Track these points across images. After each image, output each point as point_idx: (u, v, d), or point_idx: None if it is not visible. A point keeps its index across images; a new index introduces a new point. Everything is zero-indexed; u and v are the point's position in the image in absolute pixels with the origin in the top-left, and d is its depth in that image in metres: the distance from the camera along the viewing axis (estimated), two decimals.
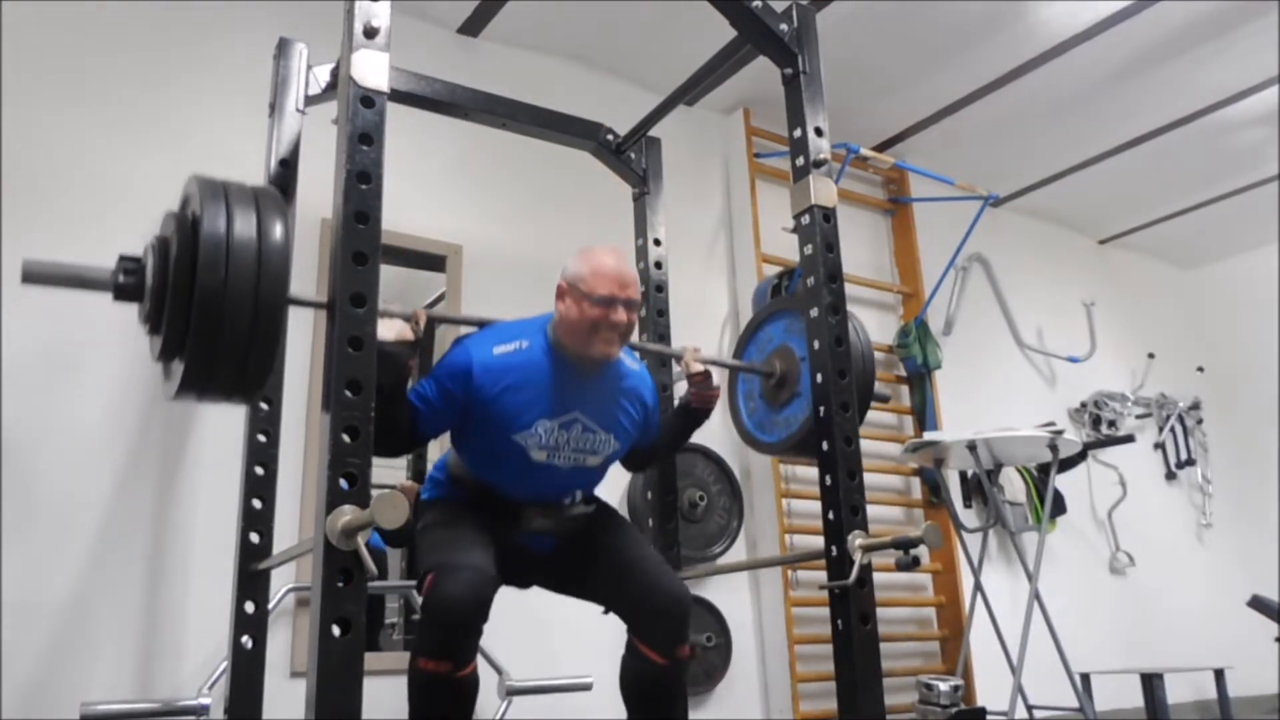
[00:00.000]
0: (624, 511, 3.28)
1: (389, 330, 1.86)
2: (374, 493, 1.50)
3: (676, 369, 2.62)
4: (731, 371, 2.75)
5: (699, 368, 2.26)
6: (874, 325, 4.41)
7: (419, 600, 1.81)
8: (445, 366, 1.96)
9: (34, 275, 1.62)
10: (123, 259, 1.68)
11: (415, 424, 1.92)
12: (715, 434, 3.71)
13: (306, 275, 2.94)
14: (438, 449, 2.85)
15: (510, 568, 1.97)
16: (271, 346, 1.62)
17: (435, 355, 2.84)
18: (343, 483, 1.49)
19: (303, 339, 2.83)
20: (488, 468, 2.00)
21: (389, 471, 3.10)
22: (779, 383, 2.51)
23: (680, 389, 2.44)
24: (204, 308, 1.54)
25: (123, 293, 1.67)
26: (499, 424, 1.93)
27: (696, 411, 2.26)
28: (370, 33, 1.70)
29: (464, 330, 2.19)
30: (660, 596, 1.91)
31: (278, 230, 1.62)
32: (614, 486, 3.15)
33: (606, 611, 2.04)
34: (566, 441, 1.98)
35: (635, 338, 2.33)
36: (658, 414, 2.22)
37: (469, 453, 2.02)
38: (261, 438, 2.35)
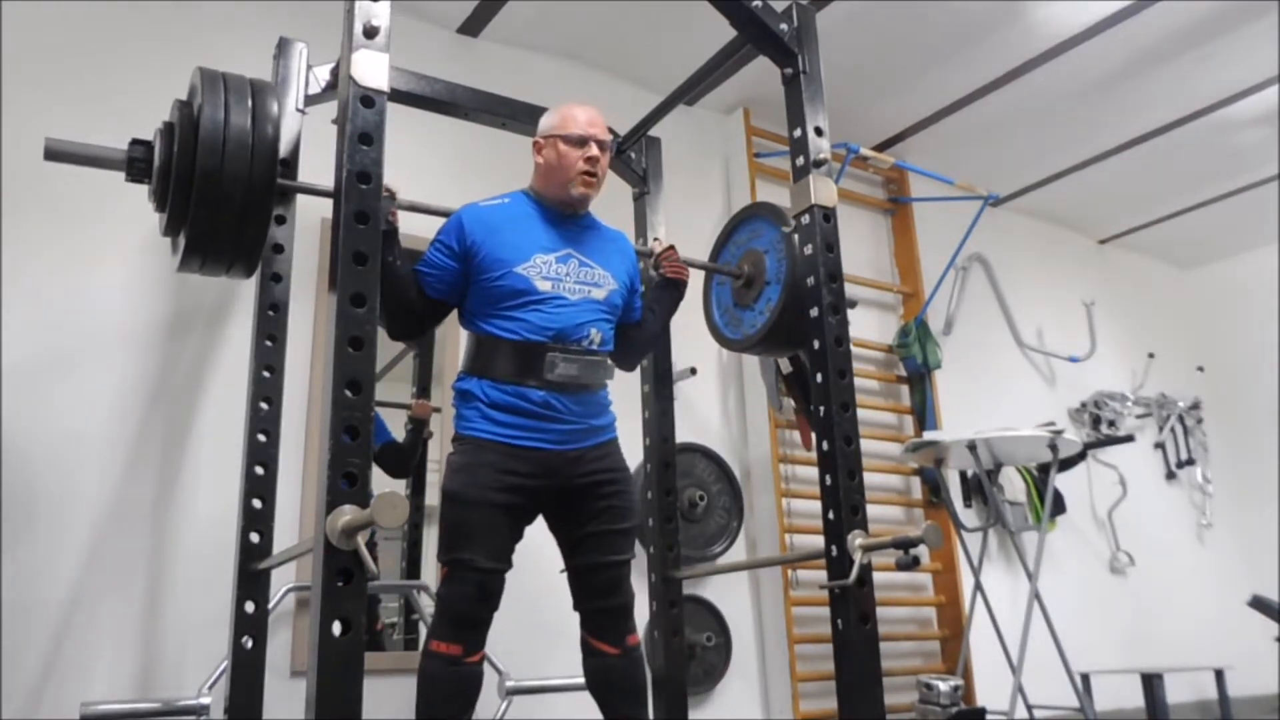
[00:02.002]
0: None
1: None
2: (378, 412, 1.59)
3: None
4: (706, 276, 2.90)
5: (664, 246, 2.47)
6: (874, 325, 4.43)
7: (432, 592, 1.94)
8: (441, 232, 2.12)
9: (55, 153, 1.82)
10: (134, 142, 1.91)
11: (423, 290, 2.08)
12: (715, 434, 3.71)
13: (307, 275, 2.93)
14: (439, 389, 2.85)
15: (523, 511, 2.04)
16: (264, 219, 1.88)
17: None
18: (343, 483, 1.49)
19: (303, 339, 2.83)
20: (500, 317, 2.06)
21: (398, 394, 3.20)
22: (747, 283, 2.67)
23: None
24: (203, 185, 1.78)
25: (133, 170, 1.90)
26: (500, 263, 2.05)
27: (672, 282, 2.42)
28: (370, 33, 1.70)
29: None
30: (613, 599, 2.08)
31: (269, 115, 1.86)
32: None
33: (563, 572, 2.14)
34: (567, 274, 2.10)
35: None
36: (639, 281, 2.36)
37: (479, 312, 2.09)
38: (261, 438, 2.34)
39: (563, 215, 2.17)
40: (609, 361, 2.17)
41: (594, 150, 2.12)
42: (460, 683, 1.90)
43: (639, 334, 2.36)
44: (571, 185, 2.12)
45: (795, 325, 2.32)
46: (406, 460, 3.09)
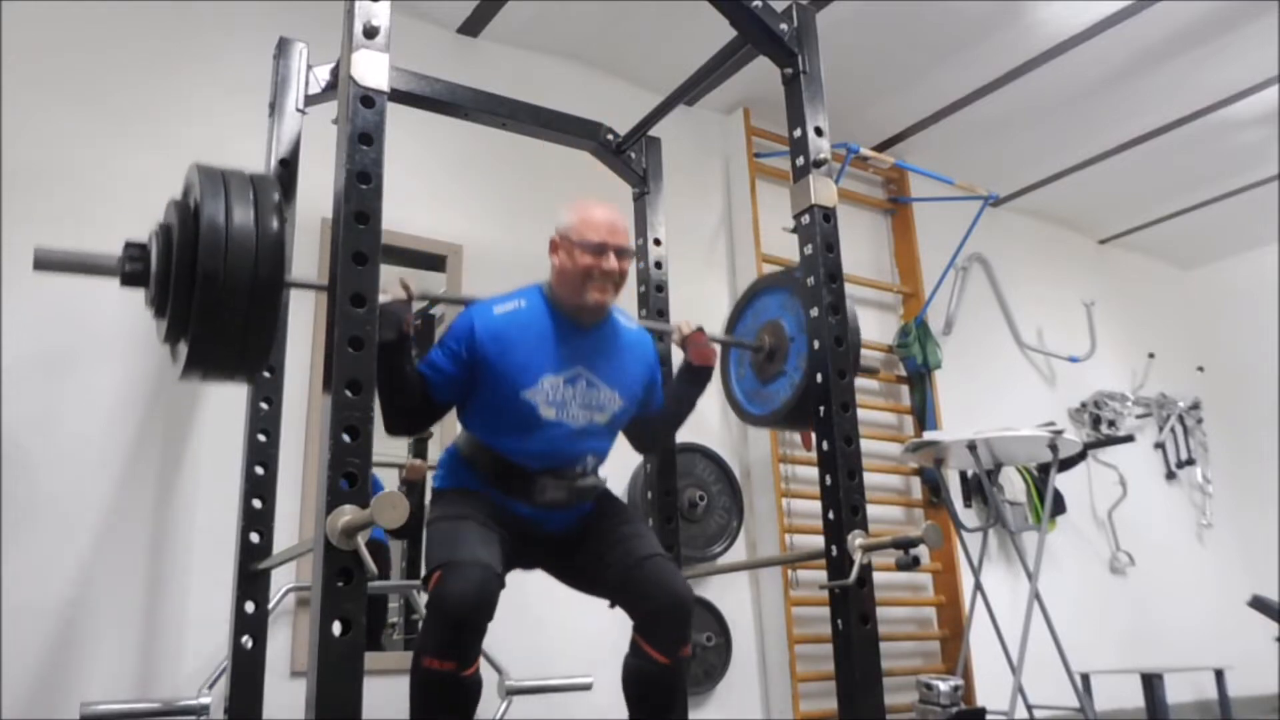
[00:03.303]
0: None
1: (381, 295, 1.89)
2: (376, 475, 1.52)
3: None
4: (723, 348, 2.77)
5: (691, 328, 2.31)
6: (874, 325, 4.42)
7: (424, 597, 1.81)
8: (450, 333, 2.02)
9: (45, 263, 1.71)
10: (128, 246, 1.76)
11: (427, 392, 1.98)
12: (715, 434, 3.71)
13: (307, 276, 2.93)
14: (439, 441, 2.86)
15: (517, 550, 1.98)
16: (270, 326, 1.72)
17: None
18: (343, 483, 1.49)
19: (303, 339, 2.83)
20: (498, 432, 2.01)
21: (392, 453, 3.13)
22: (768, 356, 2.56)
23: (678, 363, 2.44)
24: (205, 291, 1.64)
25: (129, 278, 1.75)
26: (506, 382, 1.97)
27: (698, 369, 2.28)
28: (370, 33, 1.70)
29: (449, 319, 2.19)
30: (664, 597, 1.91)
31: (274, 216, 1.71)
32: (615, 485, 3.14)
33: (613, 606, 2.03)
34: (573, 397, 2.01)
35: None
36: (660, 374, 2.26)
37: (480, 420, 2.04)
38: (261, 438, 2.35)
39: (578, 324, 2.05)
40: (602, 479, 2.12)
41: (612, 261, 1.99)
42: (457, 698, 1.75)
43: (659, 423, 2.31)
44: (587, 295, 2.00)
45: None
46: (406, 533, 3.04)
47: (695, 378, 2.29)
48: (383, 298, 1.87)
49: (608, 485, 2.18)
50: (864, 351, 3.80)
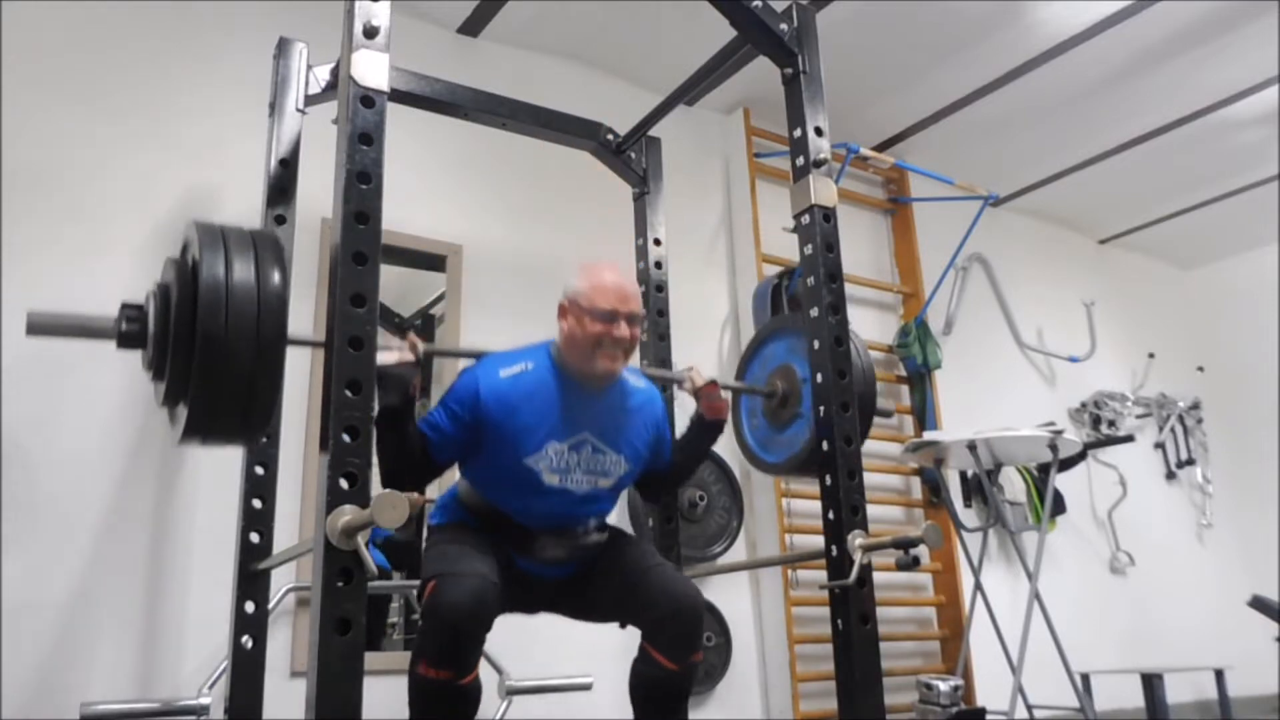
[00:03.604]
0: (624, 511, 3.28)
1: (389, 355, 1.85)
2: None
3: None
4: (734, 394, 2.70)
5: (703, 380, 2.24)
6: (874, 325, 4.43)
7: (421, 605, 1.79)
8: (453, 393, 1.95)
9: (38, 327, 1.63)
10: (125, 307, 1.70)
11: (428, 452, 1.91)
12: None
13: (307, 276, 2.93)
14: (436, 488, 2.85)
15: (517, 594, 1.96)
16: (273, 390, 1.65)
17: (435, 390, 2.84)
18: (343, 483, 1.49)
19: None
20: (500, 494, 1.98)
21: None
22: (781, 402, 2.50)
23: (682, 400, 2.42)
24: (206, 354, 1.57)
25: (126, 340, 1.69)
26: (509, 447, 1.91)
27: (710, 424, 2.22)
28: (370, 33, 1.70)
29: (462, 364, 2.17)
30: (674, 602, 1.89)
31: (275, 274, 1.64)
32: None
33: (624, 626, 2.02)
34: (578, 463, 1.96)
35: (635, 359, 2.31)
36: (669, 432, 2.20)
37: (480, 479, 2.00)
38: (261, 438, 2.35)
39: (585, 388, 1.99)
40: (604, 535, 2.08)
41: (623, 329, 1.93)
42: (454, 706, 1.73)
43: (668, 477, 2.26)
44: (596, 363, 1.94)
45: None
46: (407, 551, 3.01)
47: (707, 431, 2.23)
48: (389, 356, 1.84)
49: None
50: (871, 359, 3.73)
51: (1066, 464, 4.10)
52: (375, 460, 1.72)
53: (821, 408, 2.12)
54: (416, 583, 2.92)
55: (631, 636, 1.96)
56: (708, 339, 3.89)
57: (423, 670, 1.69)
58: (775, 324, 2.69)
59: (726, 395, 2.32)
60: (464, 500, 2.04)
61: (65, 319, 1.68)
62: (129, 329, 1.68)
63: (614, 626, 2.07)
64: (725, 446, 3.65)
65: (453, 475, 2.08)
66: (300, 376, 2.80)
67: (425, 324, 3.33)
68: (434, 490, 2.83)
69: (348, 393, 1.52)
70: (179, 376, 1.62)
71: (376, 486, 1.68)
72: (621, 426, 2.04)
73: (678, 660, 1.87)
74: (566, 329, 1.97)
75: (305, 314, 2.86)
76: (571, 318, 1.95)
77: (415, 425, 1.90)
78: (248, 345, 1.59)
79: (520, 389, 1.94)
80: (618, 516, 2.73)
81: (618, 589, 1.99)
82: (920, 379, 4.33)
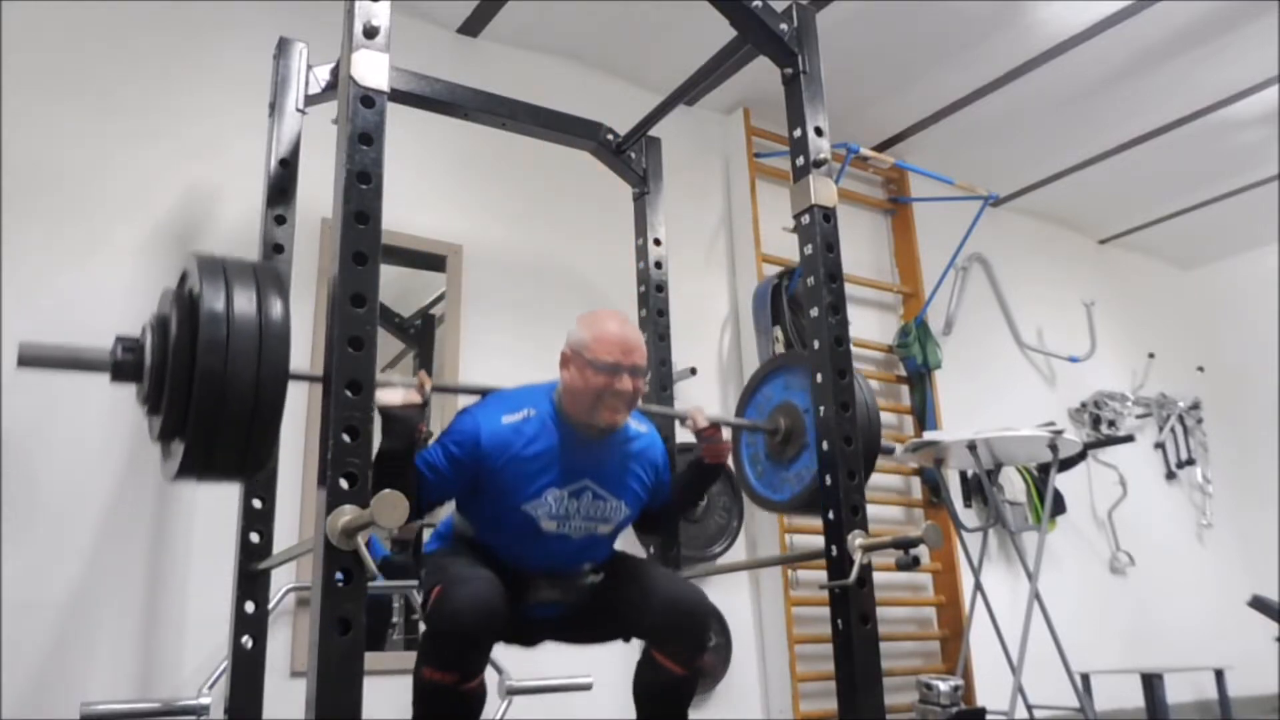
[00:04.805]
0: None
1: (394, 395, 1.83)
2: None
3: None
4: (735, 433, 2.66)
5: (705, 422, 2.22)
6: (874, 325, 4.42)
7: (425, 612, 1.78)
8: (453, 435, 1.93)
9: (30, 359, 1.60)
10: (120, 339, 1.66)
11: (422, 491, 1.89)
12: None
13: (307, 276, 2.93)
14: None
15: (517, 629, 1.96)
16: (273, 427, 1.61)
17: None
18: (343, 483, 1.49)
19: (302, 339, 2.83)
20: (496, 537, 1.97)
21: None
22: (784, 439, 2.48)
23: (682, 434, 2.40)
24: (205, 390, 1.52)
25: (121, 373, 1.65)
26: (508, 493, 1.90)
27: (709, 468, 2.21)
28: (370, 33, 1.70)
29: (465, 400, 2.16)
30: (679, 606, 1.89)
31: (277, 308, 1.60)
32: None
33: (628, 640, 2.01)
34: (577, 510, 1.95)
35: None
36: (669, 475, 2.19)
37: (477, 521, 1.99)
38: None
39: (587, 436, 1.97)
40: (600, 575, 2.06)
41: (626, 382, 1.91)
42: (458, 710, 1.72)
43: (664, 516, 2.26)
44: (598, 416, 1.92)
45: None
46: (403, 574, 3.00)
47: (706, 474, 2.24)
48: (395, 396, 1.82)
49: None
50: (857, 351, 3.76)
51: (1066, 464, 4.10)
52: None
53: (821, 408, 2.11)
54: (416, 583, 2.95)
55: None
56: (708, 339, 3.89)
57: (427, 674, 1.68)
58: (769, 365, 2.66)
59: (727, 434, 2.29)
60: (458, 532, 2.04)
61: (57, 351, 1.64)
62: (124, 360, 1.64)
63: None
64: None
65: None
66: None
67: (425, 324, 3.33)
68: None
69: (348, 393, 1.52)
70: (175, 412, 1.58)
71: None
72: (622, 472, 2.03)
73: (685, 664, 1.88)
74: (568, 379, 1.94)
75: (304, 315, 2.86)
76: (574, 368, 1.93)
77: (414, 467, 1.88)
78: (248, 383, 1.54)
79: (522, 436, 1.92)
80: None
81: (620, 599, 1.98)
82: (920, 379, 4.33)
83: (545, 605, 2.01)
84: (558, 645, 2.14)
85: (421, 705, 1.72)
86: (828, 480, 2.07)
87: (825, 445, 2.09)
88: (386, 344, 3.19)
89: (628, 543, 2.36)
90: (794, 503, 2.48)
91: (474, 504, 1.96)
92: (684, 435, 2.46)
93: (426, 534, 2.55)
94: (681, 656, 1.88)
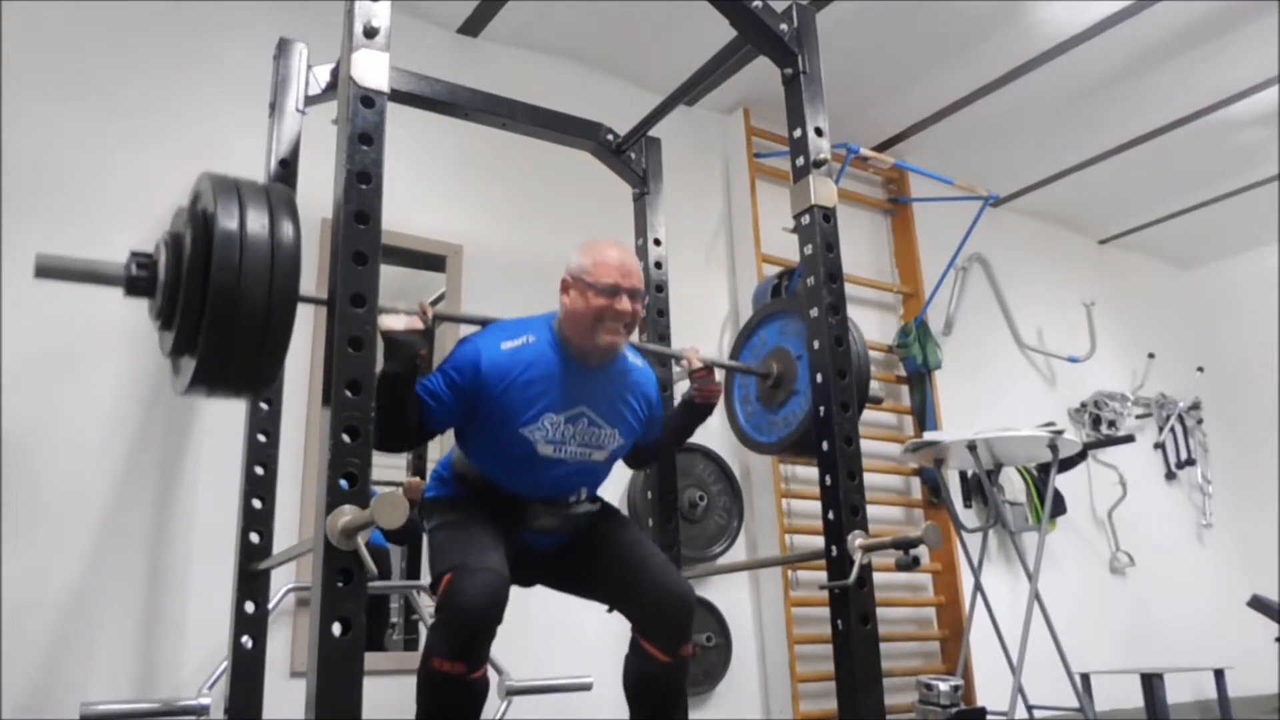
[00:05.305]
0: (624, 510, 3.28)
1: (397, 321, 1.88)
2: (375, 489, 1.51)
3: (677, 369, 2.63)
4: (728, 374, 2.74)
5: (700, 363, 2.28)
6: (874, 325, 4.43)
7: (432, 601, 1.82)
8: (453, 361, 1.97)
9: (46, 270, 1.63)
10: (134, 254, 1.68)
11: (423, 418, 1.92)
12: (715, 434, 3.70)
13: (307, 275, 2.92)
14: (438, 449, 2.85)
15: (514, 565, 1.97)
16: (283, 342, 1.63)
17: (435, 358, 2.85)
18: (343, 483, 1.49)
19: (302, 339, 2.83)
20: (494, 463, 2.00)
21: (390, 472, 3.10)
22: (775, 383, 2.53)
23: (680, 389, 2.45)
24: (218, 304, 1.55)
25: (135, 288, 1.67)
26: (506, 418, 1.94)
27: (699, 407, 2.27)
28: (370, 33, 1.70)
29: (465, 331, 2.19)
30: (665, 595, 1.93)
31: (289, 227, 1.63)
32: (614, 485, 3.14)
33: (611, 610, 2.05)
34: (573, 435, 1.99)
35: (635, 337, 2.33)
36: (661, 411, 2.25)
37: (475, 448, 2.02)
38: (261, 438, 2.35)
39: (585, 363, 2.00)
40: (595, 505, 2.12)
41: (625, 303, 1.95)
42: (465, 700, 1.76)
43: (655, 449, 2.31)
44: (597, 337, 1.96)
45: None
46: (405, 538, 3.03)
47: (696, 413, 2.29)
48: (397, 321, 1.86)
49: (604, 497, 2.18)
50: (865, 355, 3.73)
51: (1066, 464, 4.11)
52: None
53: (821, 408, 2.12)
54: (416, 583, 2.96)
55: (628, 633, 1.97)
56: (708, 339, 3.88)
57: (436, 664, 1.71)
58: (766, 309, 2.70)
59: (720, 377, 2.34)
60: (458, 471, 2.07)
61: (74, 263, 1.67)
62: (138, 276, 1.67)
63: (613, 626, 2.07)
64: (726, 444, 3.68)
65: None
66: (300, 376, 2.80)
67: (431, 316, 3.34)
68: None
69: (348, 393, 1.52)
70: (189, 326, 1.61)
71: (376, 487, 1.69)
72: (619, 402, 2.07)
73: (669, 652, 1.91)
74: (569, 304, 1.99)
75: (304, 315, 2.86)
76: (574, 292, 1.97)
77: (415, 392, 1.91)
78: (260, 298, 1.57)
79: (521, 361, 1.96)
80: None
81: (611, 573, 2.03)
82: (920, 379, 4.33)
83: (540, 534, 2.05)
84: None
85: (429, 696, 1.74)
86: (828, 480, 2.07)
87: (825, 446, 2.09)
88: None
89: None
90: (779, 445, 2.53)
91: (473, 430, 1.99)
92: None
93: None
94: (667, 645, 1.91)
